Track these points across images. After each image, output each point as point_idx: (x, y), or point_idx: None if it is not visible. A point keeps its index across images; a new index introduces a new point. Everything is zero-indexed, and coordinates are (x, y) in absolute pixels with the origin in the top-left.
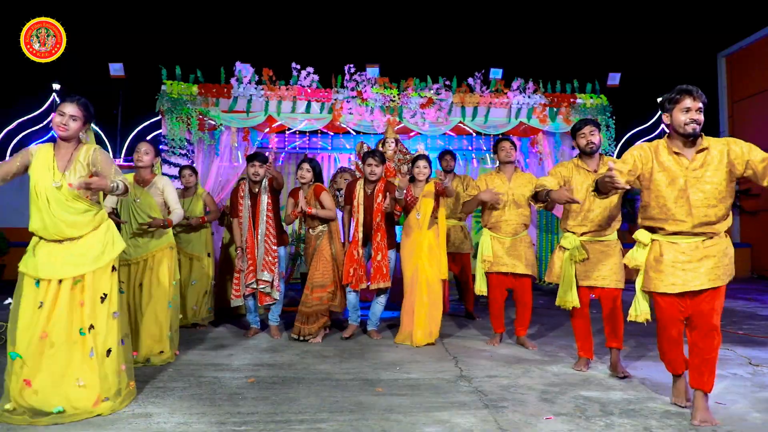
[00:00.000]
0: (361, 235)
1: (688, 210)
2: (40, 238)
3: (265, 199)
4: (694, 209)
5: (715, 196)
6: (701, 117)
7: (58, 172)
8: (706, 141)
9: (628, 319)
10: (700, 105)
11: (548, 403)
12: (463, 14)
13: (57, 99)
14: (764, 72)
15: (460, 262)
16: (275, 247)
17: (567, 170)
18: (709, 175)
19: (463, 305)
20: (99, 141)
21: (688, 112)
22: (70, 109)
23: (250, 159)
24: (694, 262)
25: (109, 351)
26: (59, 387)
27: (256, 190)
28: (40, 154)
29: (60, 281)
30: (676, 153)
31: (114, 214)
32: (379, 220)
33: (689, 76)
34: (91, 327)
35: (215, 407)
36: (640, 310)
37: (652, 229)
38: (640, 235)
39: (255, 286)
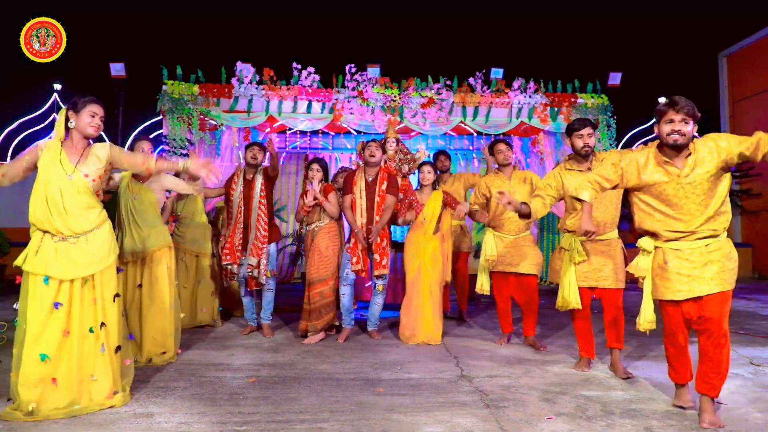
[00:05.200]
0: (364, 220)
1: (687, 215)
2: (43, 232)
3: (258, 183)
4: (692, 213)
5: (711, 196)
6: (685, 128)
7: (70, 165)
8: (692, 145)
9: (637, 328)
10: (683, 116)
11: (549, 403)
12: (464, 14)
13: (58, 99)
14: (765, 72)
15: (458, 261)
16: (265, 234)
17: (556, 180)
18: (702, 177)
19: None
20: (99, 141)
21: (671, 123)
22: (100, 110)
23: (249, 146)
24: (698, 268)
25: (118, 348)
26: (79, 382)
27: (251, 176)
28: (49, 150)
29: (71, 281)
30: (666, 162)
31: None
32: (383, 207)
33: (690, 75)
34: (103, 324)
35: (216, 407)
36: (646, 319)
37: (654, 235)
38: (644, 243)
39: (235, 271)
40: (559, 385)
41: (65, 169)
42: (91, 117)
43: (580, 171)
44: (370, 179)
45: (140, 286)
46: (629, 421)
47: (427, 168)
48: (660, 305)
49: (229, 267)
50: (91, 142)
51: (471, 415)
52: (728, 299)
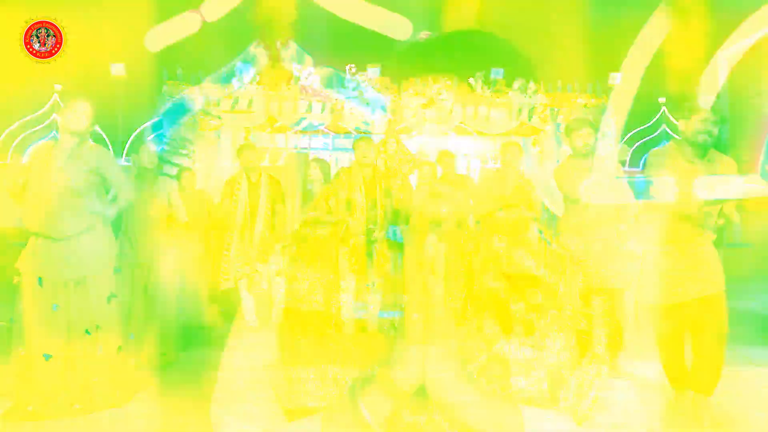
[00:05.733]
0: (363, 219)
1: (697, 216)
2: (36, 235)
3: (264, 188)
4: (707, 216)
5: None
6: (715, 130)
7: (56, 167)
8: (713, 152)
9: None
10: (716, 119)
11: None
12: (464, 14)
13: (59, 99)
14: (766, 72)
15: None
16: (268, 239)
17: (570, 172)
18: None
19: None
20: (100, 141)
21: (704, 122)
22: (83, 104)
23: (241, 150)
24: (688, 271)
25: (119, 348)
26: (78, 384)
27: (254, 179)
28: (39, 152)
29: (65, 283)
30: (690, 161)
31: None
32: (386, 211)
33: (690, 75)
34: (98, 327)
35: (217, 407)
36: (639, 322)
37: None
38: (633, 246)
39: (247, 272)
40: None
41: (50, 171)
42: (73, 112)
43: (584, 169)
44: (368, 179)
45: (143, 287)
46: (630, 421)
47: (426, 168)
48: (652, 310)
49: (240, 270)
50: (91, 141)
51: None
52: (722, 300)
